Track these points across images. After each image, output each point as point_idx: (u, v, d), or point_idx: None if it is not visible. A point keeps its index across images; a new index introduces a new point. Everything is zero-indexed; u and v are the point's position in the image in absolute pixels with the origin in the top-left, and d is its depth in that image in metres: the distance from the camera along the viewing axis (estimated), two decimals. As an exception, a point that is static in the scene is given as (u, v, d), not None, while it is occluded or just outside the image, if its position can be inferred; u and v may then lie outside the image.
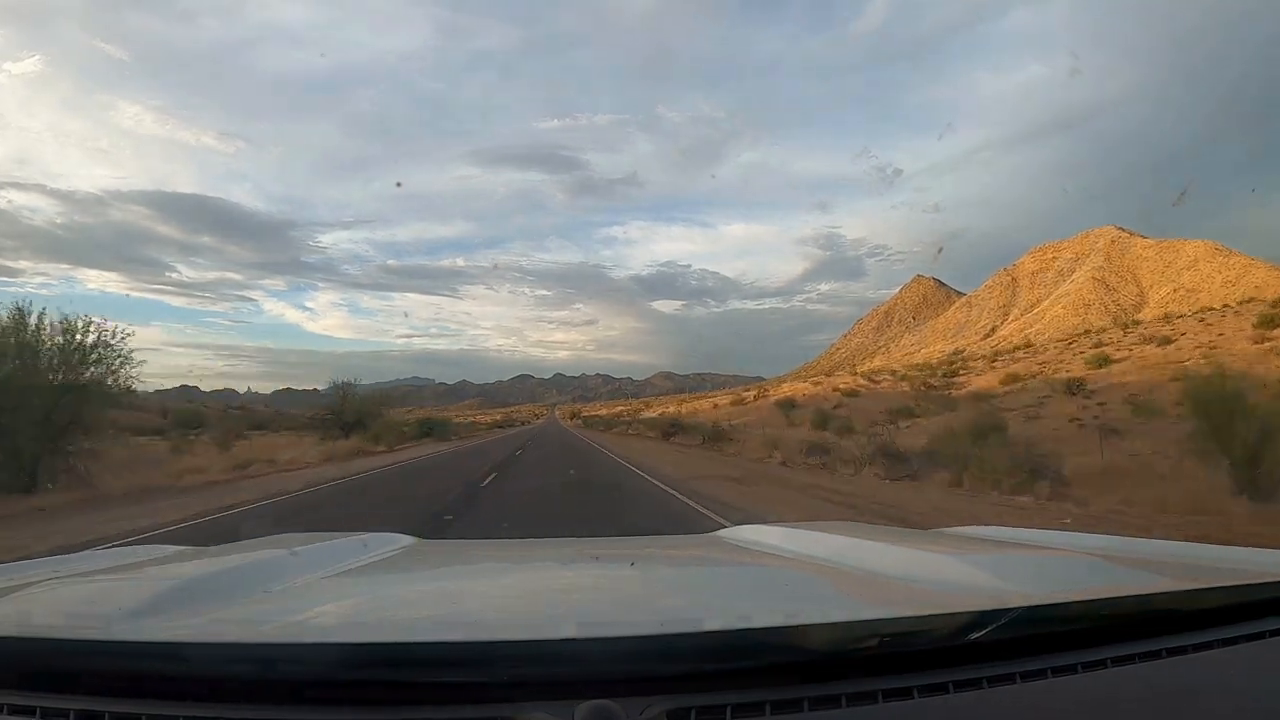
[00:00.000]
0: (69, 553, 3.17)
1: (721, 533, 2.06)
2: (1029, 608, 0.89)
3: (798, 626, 0.81)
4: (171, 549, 1.73)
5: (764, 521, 4.39)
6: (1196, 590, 1.08)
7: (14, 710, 0.79)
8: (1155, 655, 0.90)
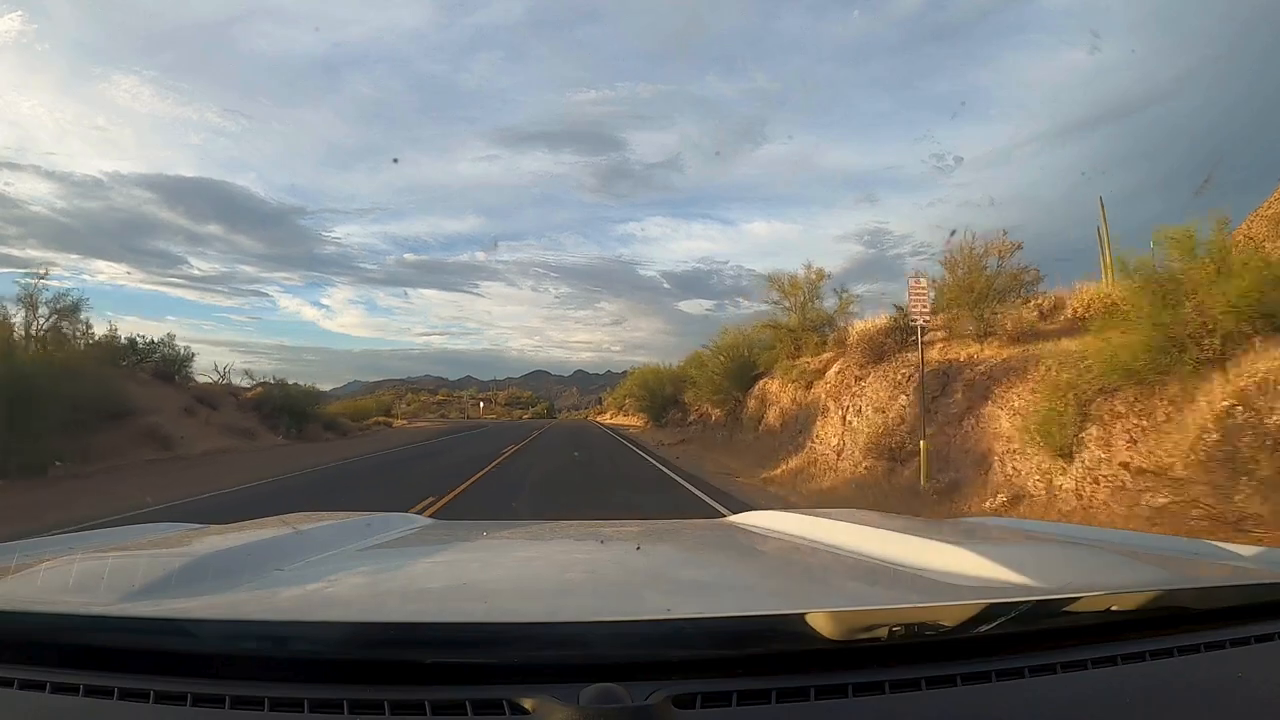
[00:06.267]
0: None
1: (732, 518, 2.06)
2: (1040, 601, 0.88)
3: (805, 615, 0.80)
4: (185, 527, 1.75)
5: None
6: (1210, 588, 1.06)
7: (25, 685, 0.81)
8: (1166, 653, 0.89)
